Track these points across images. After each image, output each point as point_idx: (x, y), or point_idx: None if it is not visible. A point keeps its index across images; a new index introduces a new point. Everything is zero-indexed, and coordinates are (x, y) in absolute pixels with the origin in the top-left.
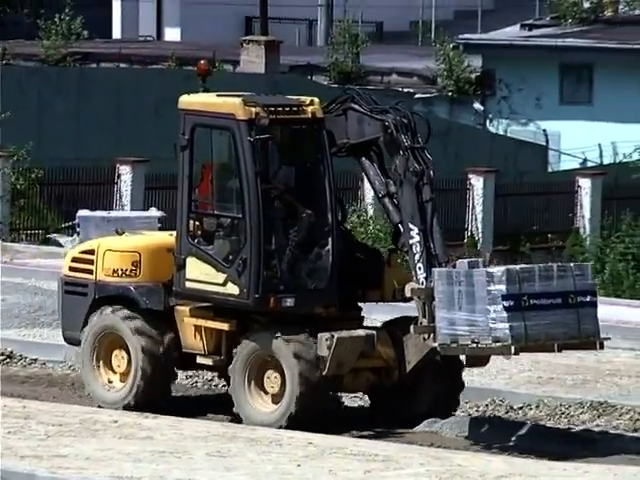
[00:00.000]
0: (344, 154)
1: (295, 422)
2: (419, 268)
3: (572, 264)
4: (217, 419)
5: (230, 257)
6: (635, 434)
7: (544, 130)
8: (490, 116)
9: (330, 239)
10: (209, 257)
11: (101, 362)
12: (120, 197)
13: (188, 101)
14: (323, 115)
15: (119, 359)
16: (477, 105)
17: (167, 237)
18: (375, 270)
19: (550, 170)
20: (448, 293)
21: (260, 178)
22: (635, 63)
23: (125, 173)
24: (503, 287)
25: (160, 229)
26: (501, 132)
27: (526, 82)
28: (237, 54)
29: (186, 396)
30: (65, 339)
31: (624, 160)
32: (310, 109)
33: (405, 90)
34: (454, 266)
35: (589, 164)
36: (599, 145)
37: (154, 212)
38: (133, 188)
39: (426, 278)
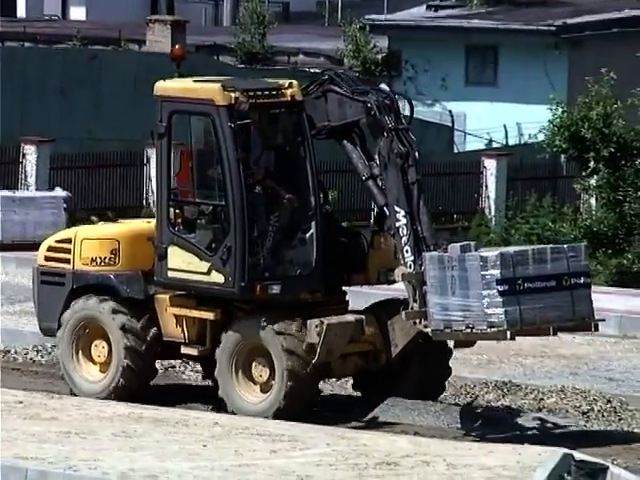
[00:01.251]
0: (324, 137)
1: (283, 414)
2: (406, 251)
3: (566, 246)
4: (195, 408)
5: (214, 245)
6: (539, 414)
7: (450, 111)
8: (396, 97)
9: (314, 223)
10: (192, 246)
11: (80, 352)
12: (25, 177)
13: (165, 87)
14: (302, 98)
15: (99, 349)
16: (383, 86)
17: (145, 225)
18: (359, 253)
19: (456, 151)
20: (440, 278)
21: (246, 167)
22: (539, 44)
23: (30, 153)
24: (497, 271)
25: (66, 210)
26: (407, 113)
27: (432, 63)
28: (143, 34)
29: (167, 385)
30: (41, 330)
31: (529, 141)
32: (289, 92)
33: (312, 70)
34: (445, 250)
35: (494, 145)
36: (504, 126)
37: (59, 192)
38: (38, 168)
39: (414, 261)
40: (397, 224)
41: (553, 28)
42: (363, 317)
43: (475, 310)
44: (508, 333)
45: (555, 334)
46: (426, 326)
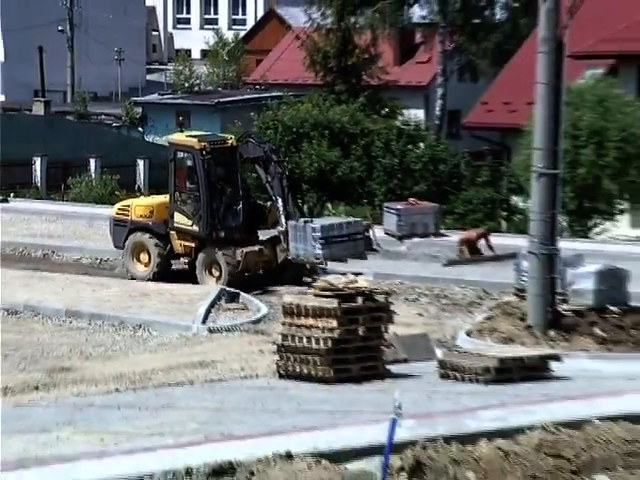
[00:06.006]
0: (245, 162)
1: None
2: (281, 218)
3: (352, 220)
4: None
5: (193, 213)
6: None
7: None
8: (146, 134)
9: (241, 202)
10: (184, 212)
11: (134, 258)
12: None
13: (172, 138)
14: (237, 144)
15: (144, 256)
16: (140, 129)
17: (164, 198)
18: (263, 215)
19: None
20: (294, 234)
21: (208, 177)
22: (209, 110)
23: None
24: (320, 234)
25: None
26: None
27: (160, 120)
28: (31, 105)
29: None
30: (115, 246)
31: None
32: (230, 141)
33: (107, 122)
34: (297, 220)
35: None
36: None
37: None
38: None
39: (285, 223)
40: (278, 205)
41: (214, 102)
42: (263, 247)
43: (309, 250)
44: (325, 261)
45: (346, 261)
46: (288, 255)
